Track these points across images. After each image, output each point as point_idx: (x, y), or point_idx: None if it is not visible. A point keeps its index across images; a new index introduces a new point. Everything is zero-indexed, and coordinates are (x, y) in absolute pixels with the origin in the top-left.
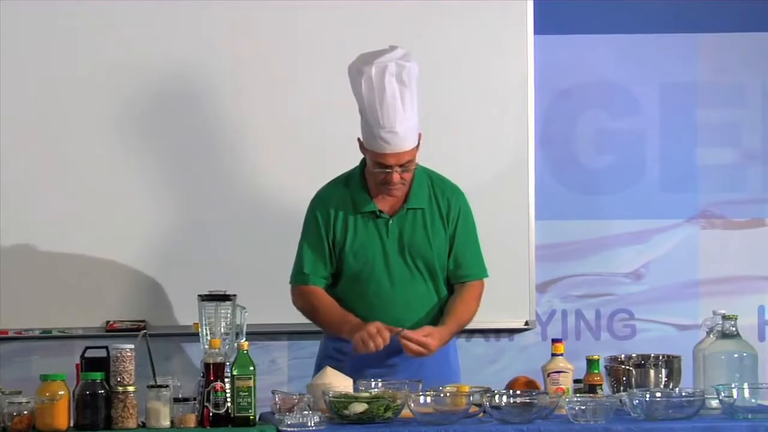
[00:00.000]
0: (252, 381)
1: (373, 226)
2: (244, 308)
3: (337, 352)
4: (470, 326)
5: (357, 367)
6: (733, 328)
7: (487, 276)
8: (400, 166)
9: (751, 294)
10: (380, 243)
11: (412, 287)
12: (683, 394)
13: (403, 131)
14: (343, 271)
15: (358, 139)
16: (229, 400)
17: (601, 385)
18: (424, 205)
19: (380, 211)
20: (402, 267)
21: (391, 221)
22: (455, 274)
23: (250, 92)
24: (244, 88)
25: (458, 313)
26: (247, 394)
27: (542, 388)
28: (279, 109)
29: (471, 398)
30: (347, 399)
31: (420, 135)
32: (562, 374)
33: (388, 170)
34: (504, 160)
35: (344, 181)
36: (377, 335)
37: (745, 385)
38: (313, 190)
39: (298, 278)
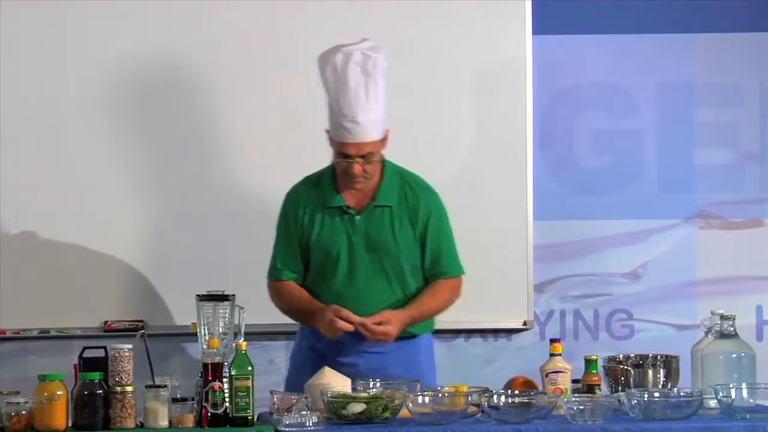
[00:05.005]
0: (250, 381)
1: (340, 221)
2: (242, 308)
3: (309, 350)
4: (468, 326)
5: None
6: (731, 328)
7: (463, 273)
8: (362, 157)
9: (749, 294)
10: (346, 239)
11: (376, 284)
12: (681, 394)
13: (366, 122)
14: (310, 266)
15: (326, 131)
16: (227, 400)
17: (599, 385)
18: (392, 203)
19: (347, 207)
20: (367, 264)
21: (357, 217)
22: (431, 272)
23: (250, 91)
24: (245, 87)
25: (423, 302)
26: (245, 394)
27: (540, 388)
28: (280, 108)
29: (469, 398)
30: (345, 399)
31: (388, 131)
32: (560, 374)
33: (349, 160)
34: (502, 160)
35: (316, 178)
36: (336, 320)
37: (743, 385)
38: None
39: (272, 274)
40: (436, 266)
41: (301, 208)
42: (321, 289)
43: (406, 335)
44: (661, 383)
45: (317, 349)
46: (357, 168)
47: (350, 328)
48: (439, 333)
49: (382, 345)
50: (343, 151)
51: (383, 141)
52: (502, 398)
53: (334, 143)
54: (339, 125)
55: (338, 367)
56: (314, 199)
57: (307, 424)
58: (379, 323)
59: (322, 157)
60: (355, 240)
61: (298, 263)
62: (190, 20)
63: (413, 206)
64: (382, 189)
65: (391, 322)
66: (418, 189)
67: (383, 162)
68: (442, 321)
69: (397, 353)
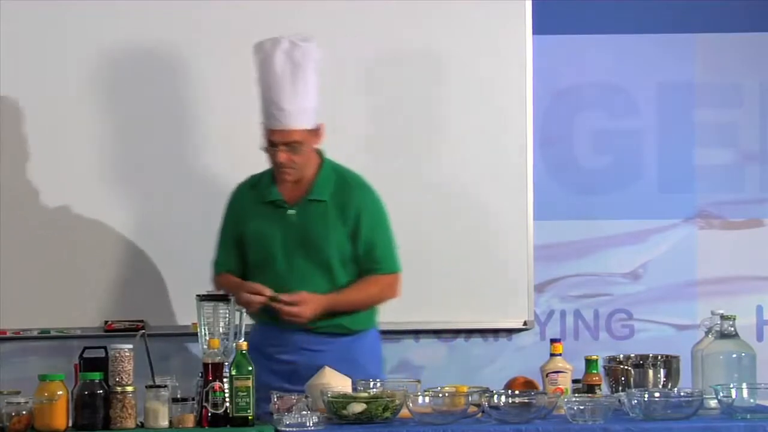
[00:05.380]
0: (250, 381)
1: (274, 216)
2: (242, 308)
3: (254, 349)
4: (468, 326)
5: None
6: (732, 328)
7: (397, 270)
8: (286, 144)
9: (750, 294)
10: (280, 233)
11: (308, 279)
12: (682, 394)
13: (291, 110)
14: (248, 259)
15: (261, 123)
16: (227, 400)
17: (599, 385)
18: (326, 197)
19: (282, 201)
20: (299, 258)
21: (291, 211)
22: (364, 267)
23: (251, 91)
24: (247, 87)
25: (347, 291)
26: (245, 394)
27: (541, 388)
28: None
29: (469, 398)
30: (346, 399)
31: (323, 125)
32: (560, 374)
33: (275, 148)
34: (502, 160)
35: (260, 175)
36: (246, 295)
37: (744, 385)
38: None
39: (213, 269)
40: (368, 261)
41: (240, 204)
42: (261, 281)
43: (341, 331)
44: (662, 383)
45: (259, 347)
46: (282, 156)
47: (261, 299)
48: (439, 333)
49: (321, 342)
50: (270, 139)
51: (315, 133)
52: (503, 398)
53: (264, 132)
54: (267, 112)
55: (278, 364)
56: (253, 195)
57: (308, 424)
58: (295, 304)
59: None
60: (288, 234)
61: (234, 258)
62: (187, 17)
63: (346, 201)
64: (317, 183)
65: (306, 303)
66: (352, 185)
67: (322, 158)
68: (442, 321)
69: (336, 350)
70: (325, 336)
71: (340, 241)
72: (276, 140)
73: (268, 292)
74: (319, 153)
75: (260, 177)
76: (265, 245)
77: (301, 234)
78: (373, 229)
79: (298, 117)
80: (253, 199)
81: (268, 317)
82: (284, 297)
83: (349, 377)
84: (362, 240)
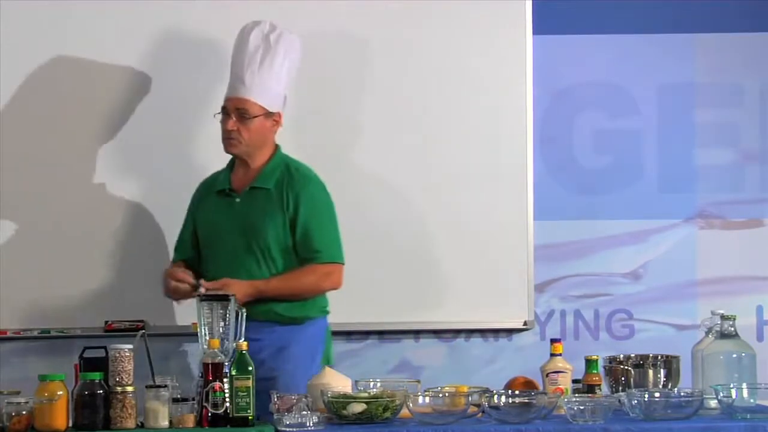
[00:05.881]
0: (250, 381)
1: (223, 204)
2: (242, 308)
3: None
4: (468, 326)
5: None
6: (732, 328)
7: (337, 260)
8: (237, 111)
9: (750, 294)
10: (225, 221)
11: (246, 266)
12: (682, 394)
13: (251, 83)
14: (201, 247)
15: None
16: (227, 400)
17: (599, 385)
18: (270, 186)
19: (230, 189)
20: (240, 246)
21: (237, 199)
22: (302, 257)
23: None
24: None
25: (279, 278)
26: (245, 394)
27: (541, 388)
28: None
29: (470, 398)
30: (346, 399)
31: (281, 114)
32: (560, 374)
33: (226, 116)
34: (502, 160)
35: (222, 170)
36: (173, 283)
37: (744, 385)
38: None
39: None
40: (305, 250)
41: (198, 195)
42: (207, 269)
43: (276, 318)
44: (662, 383)
45: None
46: (230, 123)
47: (185, 287)
48: (439, 333)
49: (258, 331)
50: (223, 105)
51: (272, 116)
52: (503, 398)
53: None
54: (229, 85)
55: None
56: (210, 185)
57: (308, 424)
58: (218, 290)
59: (321, 157)
60: (233, 222)
61: (189, 247)
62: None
63: (288, 191)
64: (263, 172)
65: (231, 287)
66: (297, 176)
67: (276, 150)
68: (442, 321)
69: (270, 340)
70: (261, 324)
71: (279, 230)
72: (228, 106)
73: (191, 279)
74: (276, 146)
75: (221, 171)
76: (211, 233)
77: (243, 222)
78: (310, 217)
79: (256, 91)
80: (208, 190)
81: None
82: (206, 284)
83: (283, 369)
84: (299, 228)
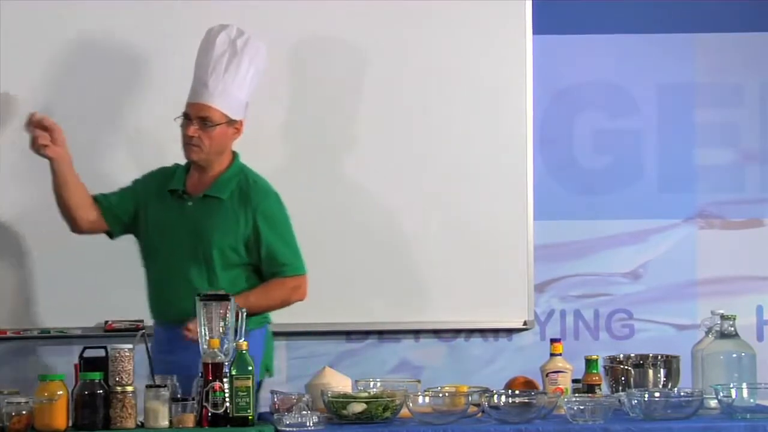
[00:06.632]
0: (251, 381)
1: (174, 205)
2: (242, 308)
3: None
4: (468, 326)
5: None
6: (732, 328)
7: (303, 272)
8: (199, 119)
9: (750, 294)
10: (174, 223)
11: (188, 272)
12: (682, 394)
13: (213, 89)
14: (143, 242)
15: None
16: (227, 400)
17: (599, 385)
18: (224, 196)
19: (183, 192)
20: (184, 250)
21: (189, 203)
22: (268, 272)
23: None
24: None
25: (253, 294)
26: (245, 394)
27: (541, 388)
28: (283, 104)
29: (470, 398)
30: (346, 399)
31: (242, 122)
32: (560, 374)
33: (188, 121)
34: (502, 160)
35: (183, 165)
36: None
37: (744, 385)
38: (311, 185)
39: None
40: (272, 265)
41: (154, 185)
42: (148, 265)
43: None
44: (662, 383)
45: (155, 348)
46: (192, 129)
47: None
48: (439, 333)
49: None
50: (185, 111)
51: (233, 124)
52: (503, 398)
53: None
54: (191, 89)
55: (167, 365)
56: (164, 181)
57: (308, 424)
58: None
59: (321, 155)
60: (181, 225)
61: (116, 206)
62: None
63: (243, 204)
64: (219, 180)
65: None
66: (254, 189)
67: (234, 158)
68: (442, 321)
69: None
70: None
71: (226, 242)
72: (190, 113)
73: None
74: (234, 154)
75: (179, 166)
76: (157, 232)
77: (191, 227)
78: (272, 232)
79: (218, 98)
80: (161, 184)
81: (163, 318)
82: (190, 325)
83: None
84: (263, 245)
